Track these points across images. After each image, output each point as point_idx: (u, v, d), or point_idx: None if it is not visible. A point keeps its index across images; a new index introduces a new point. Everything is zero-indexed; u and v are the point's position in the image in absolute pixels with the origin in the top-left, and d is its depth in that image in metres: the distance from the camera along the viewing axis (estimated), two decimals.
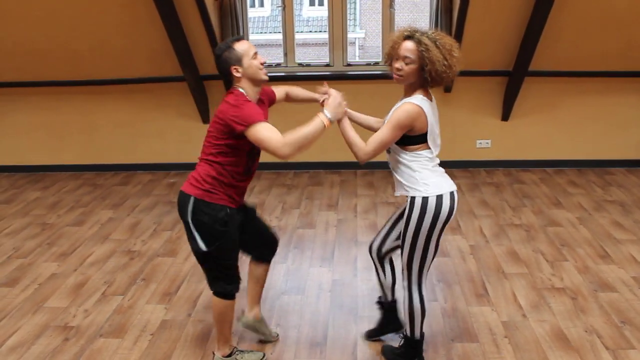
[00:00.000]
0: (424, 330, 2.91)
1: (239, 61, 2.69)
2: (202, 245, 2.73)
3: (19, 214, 5.26)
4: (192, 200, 2.72)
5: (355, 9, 18.80)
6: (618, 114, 5.97)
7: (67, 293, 3.80)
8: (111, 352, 3.15)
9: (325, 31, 5.92)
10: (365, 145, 2.62)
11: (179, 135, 6.26)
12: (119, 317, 3.50)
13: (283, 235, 4.58)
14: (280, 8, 5.92)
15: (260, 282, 3.13)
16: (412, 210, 2.65)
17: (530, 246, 4.32)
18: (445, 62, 2.52)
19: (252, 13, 17.91)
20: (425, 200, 2.63)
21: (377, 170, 6.08)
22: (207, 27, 5.28)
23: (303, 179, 5.94)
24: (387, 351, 3.08)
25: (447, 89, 5.73)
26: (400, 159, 2.68)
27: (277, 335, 3.28)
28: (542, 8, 4.94)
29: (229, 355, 2.98)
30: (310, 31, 18.36)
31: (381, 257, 3.03)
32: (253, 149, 2.75)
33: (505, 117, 5.99)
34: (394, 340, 3.14)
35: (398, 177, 2.72)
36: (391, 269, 3.06)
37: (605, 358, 2.99)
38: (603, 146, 6.11)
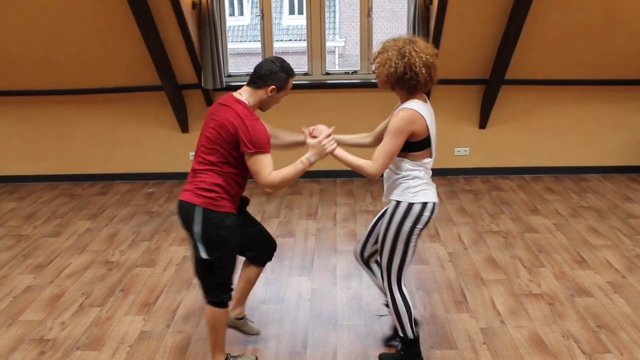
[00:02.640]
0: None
1: (280, 89, 2.78)
2: (204, 254, 2.73)
3: None
4: (197, 209, 2.72)
5: (335, 17, 18.87)
6: (593, 122, 6.07)
7: (43, 305, 3.75)
8: None
9: (304, 40, 5.94)
10: (372, 162, 2.67)
11: (157, 145, 6.23)
12: (96, 329, 3.46)
13: None
14: (259, 17, 5.93)
15: (250, 284, 3.15)
16: (395, 213, 2.74)
17: (508, 253, 4.36)
18: (397, 63, 2.61)
19: (231, 22, 17.87)
20: (410, 206, 2.71)
21: (356, 178, 6.10)
22: (185, 36, 5.27)
23: (282, 188, 5.93)
24: (386, 358, 3.09)
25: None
26: (401, 168, 2.74)
27: (259, 332, 3.32)
28: (517, 18, 5.02)
29: None
30: (290, 40, 18.38)
31: (365, 262, 3.10)
32: None
33: (482, 125, 6.05)
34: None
35: (392, 185, 2.79)
36: (379, 268, 3.04)
37: None
38: (579, 153, 6.20)
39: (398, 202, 2.73)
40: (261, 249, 3.10)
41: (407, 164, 2.72)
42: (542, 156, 6.22)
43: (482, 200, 5.51)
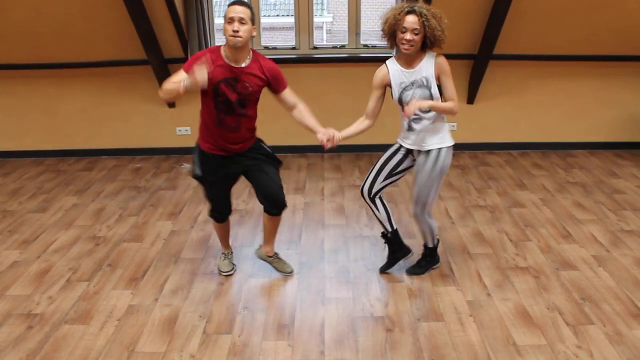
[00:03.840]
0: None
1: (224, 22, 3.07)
2: (197, 170, 3.40)
3: None
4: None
5: None
6: (581, 98, 6.09)
7: (30, 280, 3.73)
8: (77, 338, 3.11)
9: (292, 15, 5.87)
10: (455, 101, 3.19)
11: (144, 120, 6.17)
12: (84, 303, 3.45)
13: (250, 219, 4.57)
14: None
15: (267, 228, 3.62)
16: (439, 158, 3.29)
17: (495, 227, 4.39)
18: (439, 28, 3.08)
19: None
20: (450, 149, 3.33)
21: (343, 153, 6.09)
22: (171, 10, 5.19)
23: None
24: (414, 270, 3.72)
25: None
26: (441, 120, 3.28)
27: (292, 271, 3.76)
28: None
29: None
30: (277, 15, 18.20)
31: (372, 198, 3.52)
32: (218, 101, 3.16)
33: (470, 100, 6.05)
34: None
35: (433, 133, 3.28)
36: (382, 204, 3.55)
37: (566, 334, 3.07)
38: (566, 129, 6.23)
39: (439, 150, 3.29)
40: (263, 202, 3.48)
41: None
42: (529, 132, 6.24)
43: (470, 175, 5.53)
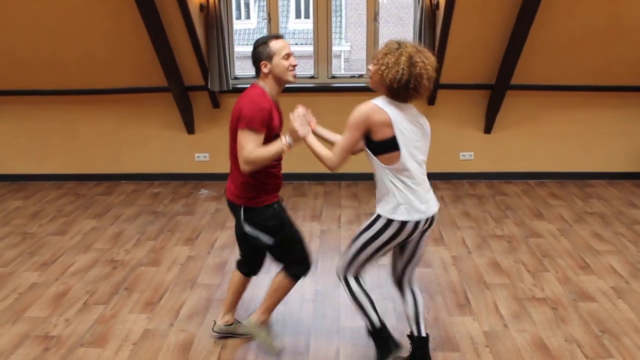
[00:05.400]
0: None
1: (269, 58, 2.81)
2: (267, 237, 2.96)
3: None
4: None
5: (341, 21, 18.92)
6: (598, 128, 6.07)
7: (48, 303, 3.77)
8: None
9: (311, 44, 5.96)
10: (332, 155, 2.67)
11: (163, 146, 6.26)
12: (100, 326, 3.48)
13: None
14: (265, 20, 5.96)
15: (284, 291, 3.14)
16: (374, 224, 2.73)
17: (512, 257, 4.36)
18: (384, 64, 2.54)
19: (238, 25, 17.93)
20: (389, 222, 2.68)
21: (360, 181, 6.12)
22: (193, 39, 5.30)
23: (287, 190, 5.96)
24: None
25: (431, 102, 5.80)
26: (378, 173, 2.70)
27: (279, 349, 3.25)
28: (523, 24, 5.04)
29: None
30: (296, 43, 18.44)
31: (400, 285, 3.03)
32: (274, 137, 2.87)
33: (487, 130, 6.06)
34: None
35: (376, 190, 2.76)
36: (413, 298, 2.99)
37: None
38: (584, 159, 6.20)
39: (378, 215, 2.71)
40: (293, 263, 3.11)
41: (383, 169, 2.64)
42: (546, 161, 6.22)
43: (487, 204, 5.51)
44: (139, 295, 3.85)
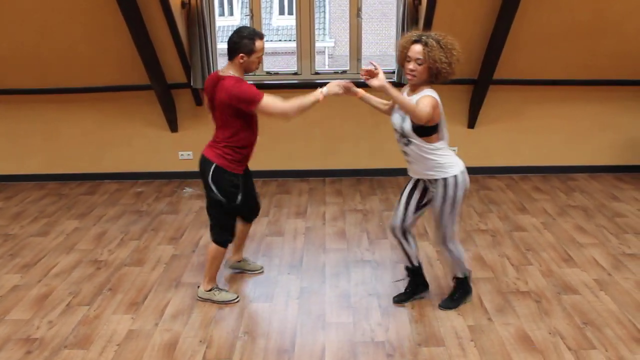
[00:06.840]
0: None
1: (249, 53, 3.25)
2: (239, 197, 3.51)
3: None
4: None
5: (324, 18, 18.91)
6: (581, 122, 6.12)
7: (30, 305, 3.72)
8: None
9: (294, 40, 5.95)
10: (415, 105, 2.99)
11: (146, 144, 6.21)
12: (84, 328, 3.44)
13: (251, 243, 4.57)
14: (248, 17, 5.93)
15: (243, 236, 3.95)
16: (447, 188, 3.21)
17: (496, 251, 4.39)
18: (445, 60, 2.98)
19: (220, 22, 17.85)
20: (455, 178, 3.21)
21: (345, 178, 6.11)
22: (175, 36, 5.26)
23: (271, 187, 5.94)
24: (447, 304, 3.58)
25: None
26: (424, 153, 3.16)
27: (262, 268, 4.10)
28: (506, 18, 5.06)
29: (209, 290, 3.67)
30: (280, 40, 18.40)
31: (404, 232, 3.48)
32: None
33: (471, 124, 6.09)
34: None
35: (423, 167, 3.22)
36: (413, 238, 3.53)
37: (567, 358, 3.05)
38: (566, 153, 6.25)
39: (445, 179, 3.19)
40: (247, 212, 3.78)
41: (428, 147, 3.16)
42: (530, 156, 6.26)
43: (471, 199, 5.54)
44: (123, 296, 3.82)
